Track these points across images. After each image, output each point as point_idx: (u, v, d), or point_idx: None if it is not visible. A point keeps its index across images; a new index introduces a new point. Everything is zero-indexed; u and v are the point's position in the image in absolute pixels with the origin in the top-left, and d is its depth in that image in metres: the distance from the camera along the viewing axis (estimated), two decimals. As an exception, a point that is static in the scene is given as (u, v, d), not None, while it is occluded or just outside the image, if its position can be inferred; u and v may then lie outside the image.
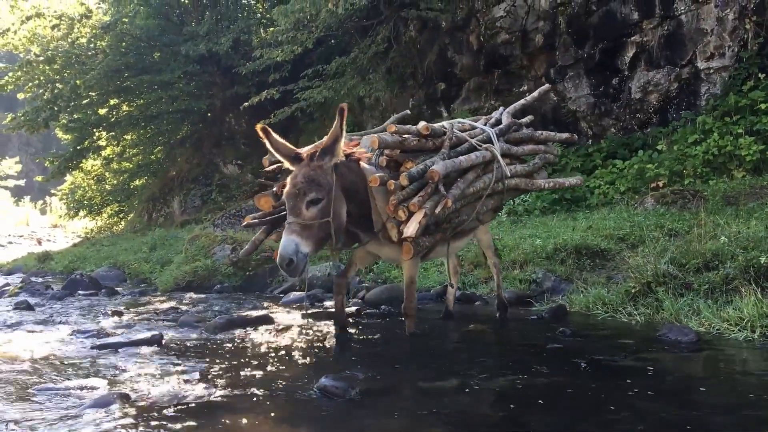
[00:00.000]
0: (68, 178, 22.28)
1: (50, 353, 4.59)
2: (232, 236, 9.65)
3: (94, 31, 16.85)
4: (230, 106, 18.36)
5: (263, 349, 4.55)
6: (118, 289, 9.24)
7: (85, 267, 12.02)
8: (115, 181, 21.98)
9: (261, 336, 5.02)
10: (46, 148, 31.83)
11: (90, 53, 16.83)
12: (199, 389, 3.51)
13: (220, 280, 8.86)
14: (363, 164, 4.45)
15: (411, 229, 4.20)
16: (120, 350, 4.60)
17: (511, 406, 3.13)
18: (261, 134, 4.34)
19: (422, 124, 4.70)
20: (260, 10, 18.73)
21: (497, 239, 7.98)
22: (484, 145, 4.96)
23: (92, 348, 4.69)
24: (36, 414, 3.19)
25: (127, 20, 16.38)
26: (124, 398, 3.35)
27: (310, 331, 5.18)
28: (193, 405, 3.29)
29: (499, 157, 4.97)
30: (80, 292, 8.62)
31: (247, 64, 15.15)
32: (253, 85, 16.47)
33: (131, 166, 21.42)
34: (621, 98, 11.27)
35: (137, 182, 21.59)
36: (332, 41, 16.01)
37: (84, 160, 19.71)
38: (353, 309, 6.03)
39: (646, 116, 11.03)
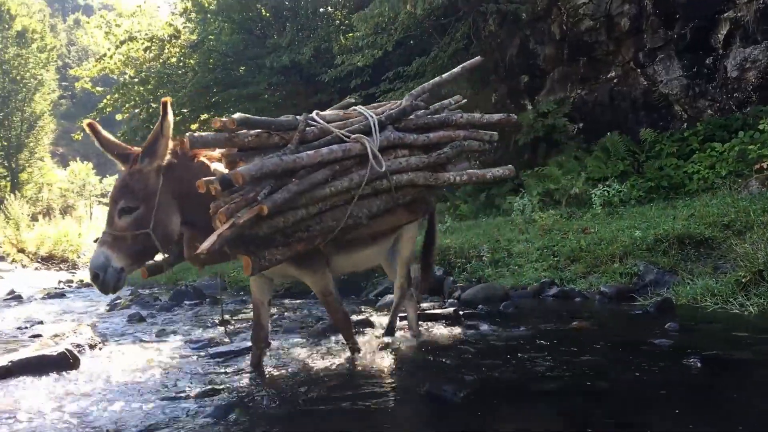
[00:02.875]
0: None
1: (167, 363, 4.83)
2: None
3: (183, 51, 17.60)
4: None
5: (366, 353, 4.62)
6: (220, 297, 9.59)
7: (187, 278, 12.53)
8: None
9: (362, 340, 5.09)
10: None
11: (180, 72, 17.59)
12: (306, 394, 3.62)
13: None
14: (215, 166, 3.93)
15: (206, 243, 3.52)
16: (231, 358, 4.79)
17: (623, 407, 3.06)
18: (88, 130, 3.94)
19: (238, 115, 3.90)
20: (339, 17, 19.01)
21: (593, 232, 7.78)
22: (354, 136, 4.19)
23: (205, 357, 4.90)
24: (161, 419, 3.37)
25: (213, 37, 17.01)
26: (241, 406, 3.50)
27: (411, 334, 5.22)
28: (303, 410, 3.39)
29: (373, 149, 4.16)
30: (186, 302, 9.01)
31: (328, 72, 15.41)
32: (336, 91, 16.73)
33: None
34: (716, 78, 10.76)
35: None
36: (411, 42, 16.04)
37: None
38: (450, 310, 6.04)
39: (744, 95, 10.49)
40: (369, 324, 5.60)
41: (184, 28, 18.51)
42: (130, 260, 3.72)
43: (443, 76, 5.08)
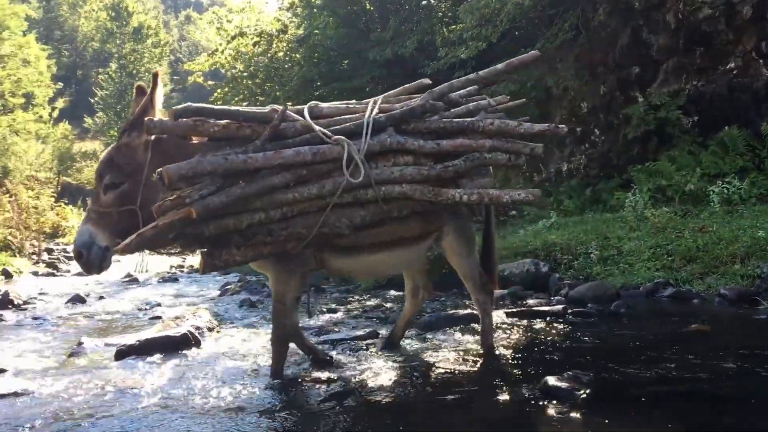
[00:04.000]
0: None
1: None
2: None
3: (289, 45, 18.07)
4: (415, 106, 18.69)
5: (475, 347, 4.60)
6: (324, 286, 9.78)
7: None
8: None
9: (470, 334, 5.08)
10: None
11: (287, 66, 18.06)
12: (419, 386, 3.64)
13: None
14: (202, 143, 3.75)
15: (126, 241, 3.40)
16: (340, 345, 4.89)
17: (750, 414, 2.91)
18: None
19: (184, 105, 3.69)
20: (442, 9, 18.93)
21: (711, 231, 7.41)
22: (335, 138, 3.73)
23: (316, 344, 5.02)
24: (278, 402, 3.49)
25: (318, 32, 17.34)
26: (355, 392, 3.57)
27: (519, 330, 5.16)
28: (414, 401, 3.42)
29: (354, 154, 3.68)
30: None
31: (431, 64, 15.38)
32: (437, 83, 16.70)
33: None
34: None
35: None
36: (516, 33, 15.77)
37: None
38: (558, 308, 5.92)
39: None
40: (473, 319, 5.55)
41: (290, 23, 18.98)
42: (116, 238, 3.54)
43: (480, 72, 4.34)
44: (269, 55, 18.37)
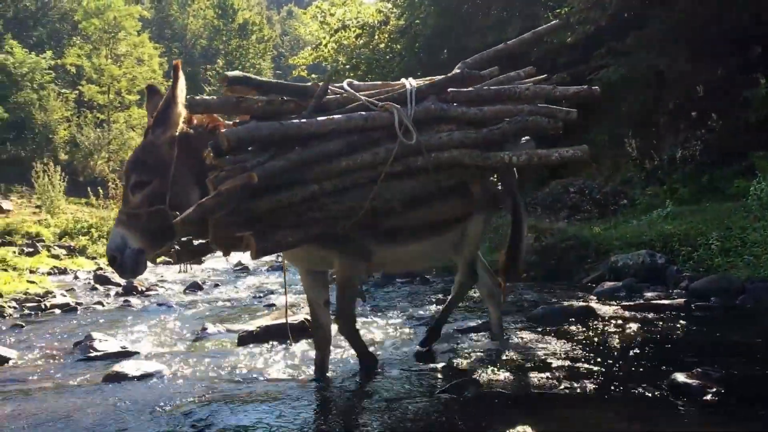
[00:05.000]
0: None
1: (392, 338, 5.04)
2: (533, 225, 9.67)
3: (391, 36, 18.16)
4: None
5: (594, 341, 4.49)
6: (428, 276, 9.80)
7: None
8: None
9: (587, 328, 4.95)
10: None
11: (388, 57, 18.16)
12: (540, 380, 3.58)
13: (526, 269, 8.94)
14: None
15: (184, 214, 3.26)
16: (453, 336, 4.89)
17: None
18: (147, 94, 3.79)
19: (234, 72, 3.66)
20: (546, -7, 18.46)
21: None
22: (382, 104, 3.68)
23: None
24: (399, 391, 3.53)
25: (419, 21, 17.34)
26: (474, 383, 3.56)
27: (638, 324, 4.98)
28: (537, 395, 3.37)
29: (404, 118, 3.62)
30: (398, 280, 9.33)
31: (534, 50, 15.03)
32: (542, 70, 16.32)
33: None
34: None
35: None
36: (626, 14, 15.15)
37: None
38: (680, 301, 5.67)
39: None
40: (591, 313, 5.41)
41: (391, 14, 19.07)
42: (149, 241, 3.41)
43: (508, 42, 4.41)
44: (371, 46, 18.55)
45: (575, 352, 4.19)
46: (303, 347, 4.80)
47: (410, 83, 3.90)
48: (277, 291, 8.74)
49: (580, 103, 4.20)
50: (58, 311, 7.56)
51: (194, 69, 55.84)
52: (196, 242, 3.76)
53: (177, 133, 3.53)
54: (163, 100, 3.51)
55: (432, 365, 4.07)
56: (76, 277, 11.95)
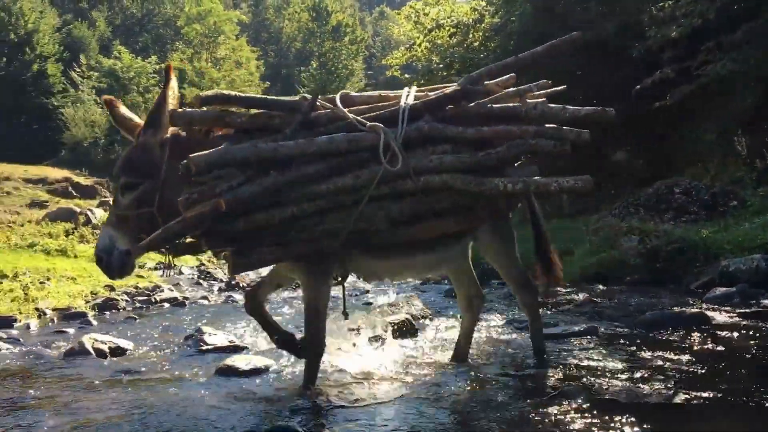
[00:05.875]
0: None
1: (495, 340, 4.97)
2: (637, 226, 9.33)
3: (485, 34, 17.99)
4: (616, 91, 17.78)
5: (710, 349, 4.28)
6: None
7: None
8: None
9: (702, 335, 4.72)
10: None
11: (482, 55, 17.98)
12: (653, 388, 3.44)
13: (629, 273, 8.63)
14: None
15: (150, 236, 3.25)
16: (557, 341, 4.78)
17: None
18: (105, 106, 3.70)
19: (212, 91, 3.59)
20: (650, -14, 17.79)
21: None
22: (370, 125, 3.53)
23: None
24: (510, 397, 3.47)
25: (514, 19, 17.08)
26: (583, 391, 3.46)
27: (757, 333, 4.71)
28: (654, 404, 3.24)
29: (390, 141, 3.45)
30: (494, 281, 9.19)
31: (637, 46, 14.52)
32: (644, 66, 15.72)
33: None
34: None
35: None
36: (736, 6, 14.39)
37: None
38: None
39: None
40: (705, 319, 5.16)
41: (486, 12, 18.89)
42: (136, 242, 3.38)
43: (519, 56, 4.06)
44: (465, 45, 18.43)
45: (690, 361, 4.00)
46: (406, 346, 4.81)
47: (406, 99, 3.74)
48: (372, 290, 8.81)
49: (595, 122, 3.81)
50: (167, 305, 7.92)
51: (289, 71, 57.29)
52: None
53: (168, 136, 3.53)
54: (155, 101, 3.51)
55: (537, 371, 3.99)
56: (180, 273, 12.46)
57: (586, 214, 14.88)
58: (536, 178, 3.58)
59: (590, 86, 17.78)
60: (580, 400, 3.29)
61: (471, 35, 18.41)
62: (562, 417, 3.09)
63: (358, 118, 3.57)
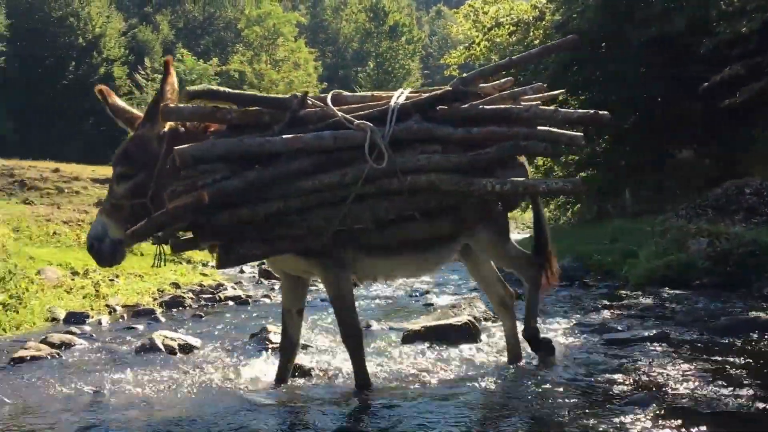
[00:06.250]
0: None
1: (558, 345, 4.87)
2: (706, 228, 9.02)
3: (546, 32, 17.69)
4: (683, 88, 17.29)
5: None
6: (587, 280, 9.43)
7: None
8: (561, 174, 22.64)
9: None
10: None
11: (542, 53, 17.72)
12: (732, 396, 3.33)
13: (697, 276, 8.35)
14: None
15: (134, 227, 3.32)
16: (627, 346, 4.66)
17: None
18: (99, 97, 3.71)
19: (200, 86, 3.69)
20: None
21: None
22: (357, 123, 3.56)
23: (598, 342, 4.86)
24: (575, 400, 3.41)
25: (576, 16, 16.75)
26: (658, 398, 3.37)
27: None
28: (729, 413, 3.14)
29: (377, 140, 3.48)
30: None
31: (705, 42, 14.05)
32: (713, 63, 15.21)
33: (578, 158, 21.78)
34: None
35: (583, 174, 21.87)
36: (812, -1, 13.79)
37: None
38: None
39: None
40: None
41: (546, 9, 18.58)
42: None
43: (512, 57, 4.25)
44: (525, 43, 18.17)
45: (764, 365, 3.85)
46: (466, 348, 4.79)
47: (396, 99, 3.75)
48: (431, 291, 8.78)
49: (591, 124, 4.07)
50: (231, 303, 8.07)
51: (346, 71, 57.69)
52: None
53: (166, 129, 3.60)
54: (155, 95, 3.59)
55: (608, 376, 3.90)
56: (242, 271, 12.67)
57: (649, 214, 14.49)
58: (524, 179, 3.68)
59: (656, 84, 17.36)
60: (652, 408, 3.21)
61: (531, 33, 18.15)
62: (634, 425, 3.02)
63: (347, 116, 3.61)
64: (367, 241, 3.70)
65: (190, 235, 3.56)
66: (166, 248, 3.69)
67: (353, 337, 3.80)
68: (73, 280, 8.08)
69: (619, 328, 5.32)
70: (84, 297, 7.65)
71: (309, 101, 3.74)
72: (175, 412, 3.49)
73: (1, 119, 38.63)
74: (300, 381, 4.10)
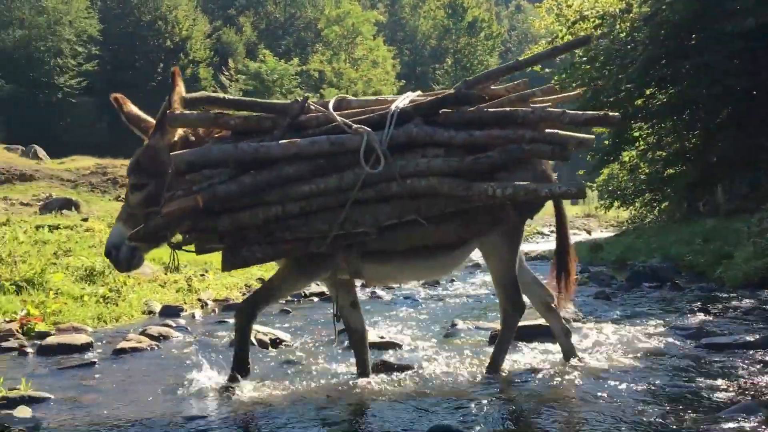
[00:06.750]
0: (604, 170, 23.15)
1: (652, 349, 4.72)
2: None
3: (633, 25, 17.13)
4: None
5: None
6: (678, 282, 9.08)
7: (636, 258, 12.24)
8: (648, 171, 21.96)
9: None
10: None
11: (629, 47, 17.16)
12: None
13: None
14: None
15: (133, 232, 3.49)
16: (728, 351, 4.47)
17: None
18: (114, 104, 3.74)
19: (198, 93, 3.88)
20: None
21: None
22: (355, 127, 3.56)
23: (697, 347, 4.68)
24: (675, 408, 3.29)
25: (666, 7, 16.15)
26: (762, 407, 3.21)
27: None
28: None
29: (375, 144, 3.49)
30: (645, 284, 8.78)
31: None
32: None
33: (665, 154, 21.06)
34: None
35: (671, 170, 21.13)
36: None
37: (622, 152, 20.28)
38: None
39: None
40: None
41: (634, 1, 17.99)
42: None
43: (519, 59, 4.23)
44: (611, 37, 17.65)
45: None
46: (555, 349, 4.70)
47: (399, 103, 3.75)
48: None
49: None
50: (315, 299, 8.20)
51: (424, 69, 57.64)
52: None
53: (176, 139, 3.69)
54: (163, 105, 3.62)
55: (709, 381, 3.75)
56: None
57: (743, 213, 13.88)
58: (527, 183, 3.58)
59: (751, 79, 16.56)
60: (759, 416, 3.06)
61: (617, 26, 17.61)
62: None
63: (346, 120, 3.65)
64: (372, 244, 3.72)
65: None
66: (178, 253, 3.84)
67: (247, 316, 3.82)
68: (165, 274, 8.38)
69: (719, 331, 5.10)
70: (177, 291, 7.94)
71: (311, 106, 3.81)
72: (274, 406, 3.58)
73: (96, 119, 40.65)
74: (392, 377, 4.12)
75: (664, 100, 18.23)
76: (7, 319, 5.74)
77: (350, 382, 4.02)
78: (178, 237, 3.72)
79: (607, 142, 20.15)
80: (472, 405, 3.51)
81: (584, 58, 18.03)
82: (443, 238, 3.81)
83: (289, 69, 41.19)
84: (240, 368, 3.80)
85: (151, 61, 44.69)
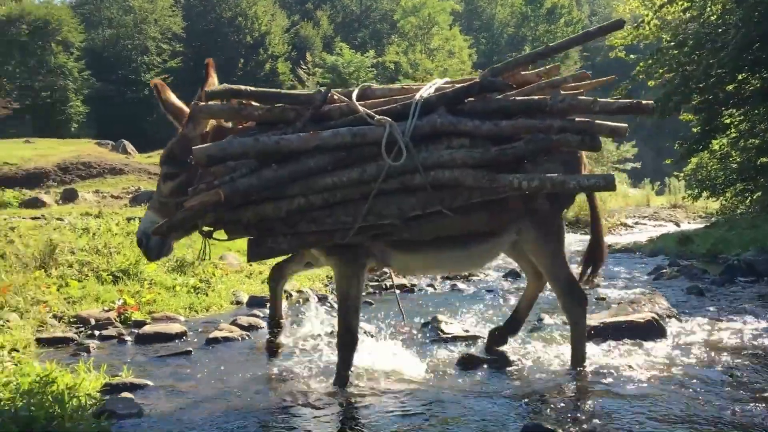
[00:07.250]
0: (693, 158, 22.26)
1: (752, 347, 4.52)
2: None
3: (726, 7, 16.33)
4: None
5: None
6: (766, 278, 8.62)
7: (729, 251, 11.70)
8: (740, 159, 20.97)
9: None
10: (659, 130, 32.56)
11: (720, 30, 16.37)
12: None
13: None
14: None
15: (157, 226, 3.52)
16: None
17: None
18: (154, 91, 3.84)
19: (221, 86, 3.72)
20: None
21: None
22: (378, 118, 3.49)
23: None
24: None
25: (762, -13, 15.33)
26: None
27: None
28: None
29: (398, 135, 3.43)
30: (740, 278, 8.37)
31: None
32: None
33: (759, 142, 20.05)
34: None
35: (765, 159, 20.10)
36: None
37: (712, 140, 19.41)
38: None
39: None
40: None
41: (729, -19, 17.15)
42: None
43: (551, 44, 4.07)
44: (701, 20, 16.88)
45: None
46: (651, 346, 4.56)
47: (423, 93, 3.68)
48: (604, 285, 8.43)
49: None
50: (397, 291, 8.20)
51: (500, 58, 56.79)
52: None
53: (208, 129, 3.74)
54: (196, 97, 3.68)
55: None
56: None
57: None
58: (554, 175, 3.49)
59: None
60: None
61: (708, 8, 16.81)
62: None
63: (369, 111, 3.59)
64: (399, 236, 3.69)
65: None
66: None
67: (348, 337, 3.82)
68: (251, 265, 8.56)
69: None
70: (262, 282, 8.10)
71: (334, 96, 3.78)
72: (366, 396, 3.62)
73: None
74: (479, 373, 4.09)
75: (758, 85, 17.33)
76: (105, 308, 6.01)
77: (439, 377, 4.02)
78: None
79: (695, 129, 19.39)
80: (561, 402, 3.46)
81: (672, 43, 17.32)
82: (472, 229, 3.79)
83: (365, 61, 41.29)
84: (341, 382, 3.81)
85: (231, 57, 45.85)
